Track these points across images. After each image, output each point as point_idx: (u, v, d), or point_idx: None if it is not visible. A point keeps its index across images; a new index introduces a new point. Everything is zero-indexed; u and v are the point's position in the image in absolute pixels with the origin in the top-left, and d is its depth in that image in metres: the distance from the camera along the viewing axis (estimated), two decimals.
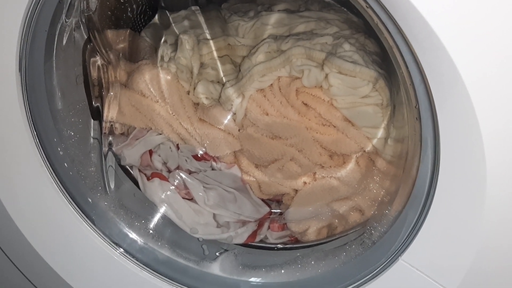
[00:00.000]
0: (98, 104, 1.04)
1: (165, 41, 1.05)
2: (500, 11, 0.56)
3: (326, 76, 0.89)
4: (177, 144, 1.05)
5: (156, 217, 1.03)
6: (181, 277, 0.95)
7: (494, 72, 0.58)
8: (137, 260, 0.95)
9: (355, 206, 0.96)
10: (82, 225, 0.94)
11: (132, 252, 0.96)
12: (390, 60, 0.72)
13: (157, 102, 1.01)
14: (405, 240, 0.75)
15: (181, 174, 1.04)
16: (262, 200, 1.05)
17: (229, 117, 0.99)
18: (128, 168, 1.09)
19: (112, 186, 1.03)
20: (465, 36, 0.57)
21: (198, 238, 1.03)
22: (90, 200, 0.98)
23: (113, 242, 0.96)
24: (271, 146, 0.97)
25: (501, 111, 0.60)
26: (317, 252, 0.94)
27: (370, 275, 0.80)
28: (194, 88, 1.01)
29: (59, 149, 0.95)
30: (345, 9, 1.05)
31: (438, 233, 0.71)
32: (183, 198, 1.04)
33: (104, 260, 0.95)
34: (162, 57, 1.02)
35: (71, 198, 0.94)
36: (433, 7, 0.57)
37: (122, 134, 1.07)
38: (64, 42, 0.91)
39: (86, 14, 0.95)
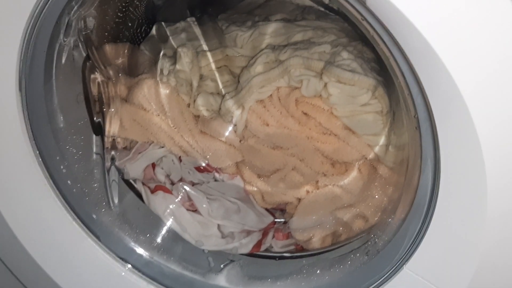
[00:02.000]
0: (100, 119, 1.04)
1: (164, 54, 1.05)
2: (494, 21, 0.56)
3: (325, 85, 0.89)
4: (180, 157, 1.05)
5: (161, 231, 1.03)
6: None
7: (491, 82, 0.58)
8: (144, 275, 0.96)
9: (358, 213, 0.96)
10: (87, 242, 0.95)
11: (138, 267, 0.97)
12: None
13: (158, 115, 1.01)
14: (409, 248, 0.75)
15: (184, 186, 1.04)
16: (266, 209, 1.05)
17: (230, 128, 0.99)
18: (132, 182, 1.09)
19: (116, 201, 1.03)
20: (460, 47, 0.57)
21: (203, 250, 1.03)
22: (94, 217, 0.98)
23: (120, 258, 0.96)
24: (272, 156, 0.97)
25: (499, 119, 0.60)
26: (323, 261, 0.94)
27: (375, 284, 0.80)
28: (194, 101, 1.01)
29: (61, 167, 0.95)
30: (341, 19, 1.05)
31: (442, 241, 0.71)
32: (187, 210, 1.05)
33: (111, 276, 0.95)
34: (161, 71, 1.03)
35: (75, 215, 0.94)
36: (427, 19, 0.57)
37: (125, 148, 1.08)
38: (63, 61, 0.92)
39: (84, 33, 0.95)
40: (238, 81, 0.99)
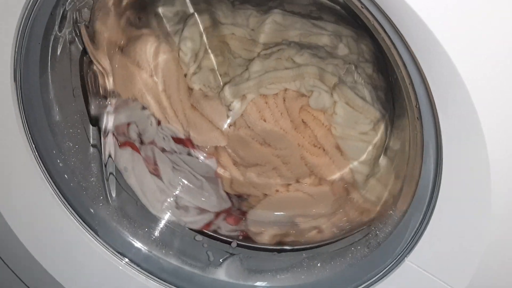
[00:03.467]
0: (96, 112, 1.03)
1: (176, 14, 1.00)
2: (496, 8, 0.55)
3: (334, 103, 0.89)
4: (159, 120, 1.01)
5: (160, 225, 1.03)
6: (187, 285, 0.95)
7: (493, 70, 0.57)
8: (143, 269, 0.95)
9: (316, 225, 0.97)
10: (85, 237, 0.94)
11: (137, 261, 0.96)
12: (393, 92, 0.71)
13: (151, 77, 0.97)
14: (410, 240, 0.74)
15: (154, 149, 1.03)
16: (227, 194, 1.05)
17: (222, 112, 0.97)
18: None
19: (114, 195, 1.02)
20: (462, 34, 0.56)
21: (202, 244, 1.02)
22: (92, 211, 0.97)
23: (118, 252, 0.95)
24: (258, 151, 0.97)
25: (502, 109, 0.59)
26: (323, 254, 0.94)
27: (376, 277, 0.79)
28: (194, 73, 0.97)
29: (58, 161, 0.94)
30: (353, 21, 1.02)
31: (444, 233, 0.70)
32: (150, 172, 1.04)
33: (109, 271, 0.94)
34: (167, 33, 0.98)
35: (73, 210, 0.93)
36: (428, 6, 0.56)
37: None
38: (59, 53, 0.91)
39: (79, 25, 0.94)
40: (247, 68, 0.96)
